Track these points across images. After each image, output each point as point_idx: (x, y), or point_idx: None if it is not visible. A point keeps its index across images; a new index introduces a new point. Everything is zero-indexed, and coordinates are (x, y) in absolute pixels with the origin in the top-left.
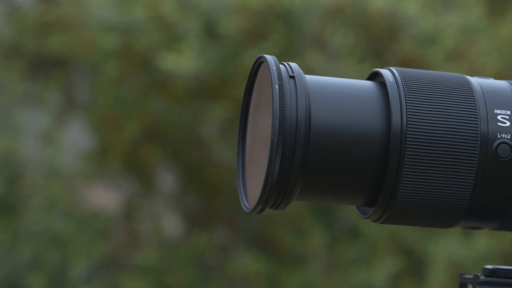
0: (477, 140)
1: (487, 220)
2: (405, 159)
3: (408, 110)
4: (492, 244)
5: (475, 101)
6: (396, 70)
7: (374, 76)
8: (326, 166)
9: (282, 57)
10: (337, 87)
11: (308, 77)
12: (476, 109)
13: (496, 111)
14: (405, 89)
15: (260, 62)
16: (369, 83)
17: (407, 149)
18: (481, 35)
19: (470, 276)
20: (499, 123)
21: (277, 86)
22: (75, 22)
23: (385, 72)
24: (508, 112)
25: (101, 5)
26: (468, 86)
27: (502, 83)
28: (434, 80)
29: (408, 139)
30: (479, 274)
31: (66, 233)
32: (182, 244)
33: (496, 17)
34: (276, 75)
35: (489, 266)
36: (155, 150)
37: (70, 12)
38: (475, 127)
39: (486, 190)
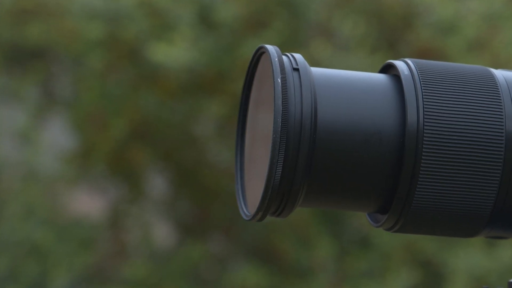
0: (502, 140)
1: None
2: (422, 160)
3: (425, 106)
4: None
5: (499, 96)
6: (412, 62)
7: (387, 69)
8: (334, 168)
9: (285, 48)
10: (346, 81)
11: (314, 70)
12: (501, 105)
13: None
14: (421, 83)
15: (260, 53)
16: (381, 77)
17: (423, 149)
18: (505, 23)
19: None
20: None
21: (279, 80)
22: (55, 9)
23: (399, 64)
24: None
25: None
26: (492, 79)
27: None
28: (454, 73)
29: (425, 138)
30: None
31: (46, 243)
32: (174, 255)
33: None
34: (278, 67)
35: None
36: (144, 150)
37: None
38: (500, 125)
39: None
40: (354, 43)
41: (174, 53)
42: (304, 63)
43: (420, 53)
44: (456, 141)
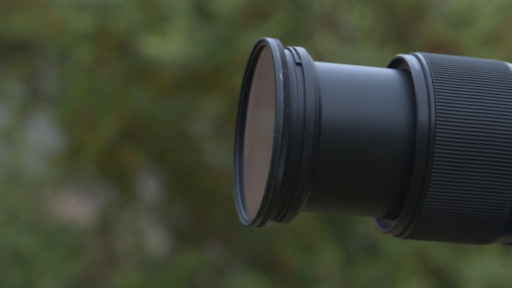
0: None
1: None
2: (434, 161)
3: (437, 103)
4: None
5: None
6: (423, 56)
7: (397, 63)
8: (340, 170)
9: (287, 41)
10: (353, 77)
11: (318, 65)
12: None
13: None
14: (433, 78)
15: (261, 47)
16: (390, 72)
17: (436, 149)
18: None
19: None
20: None
21: (281, 75)
22: None
23: (409, 58)
24: None
25: None
26: (508, 74)
27: None
28: (468, 67)
29: (437, 138)
30: None
31: (31, 250)
32: (168, 263)
33: None
34: (279, 62)
35: None
36: (136, 151)
37: None
38: None
39: None
40: (361, 36)
41: (168, 46)
42: (307, 57)
43: (432, 47)
44: (470, 141)
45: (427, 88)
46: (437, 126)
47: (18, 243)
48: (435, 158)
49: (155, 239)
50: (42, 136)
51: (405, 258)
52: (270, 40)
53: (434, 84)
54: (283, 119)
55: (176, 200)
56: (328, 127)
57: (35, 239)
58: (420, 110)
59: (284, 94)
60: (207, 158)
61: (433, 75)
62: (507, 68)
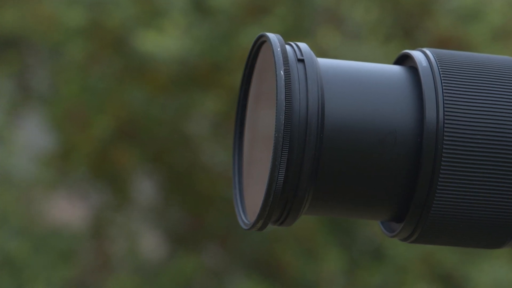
0: None
1: None
2: (442, 162)
3: (445, 102)
4: None
5: None
6: (431, 52)
7: (403, 60)
8: (343, 171)
9: (288, 36)
10: (357, 73)
11: (321, 61)
12: None
13: None
14: (441, 75)
15: (261, 43)
16: (396, 68)
17: (444, 150)
18: None
19: None
20: None
21: (282, 72)
22: None
23: (416, 54)
24: None
25: None
26: None
27: None
28: (478, 64)
29: (445, 138)
30: None
31: (21, 254)
32: (164, 268)
33: None
34: (281, 58)
35: None
36: (131, 151)
37: None
38: None
39: None
40: (366, 31)
41: (165, 42)
42: (310, 53)
43: (440, 43)
44: (480, 141)
45: (435, 86)
46: (446, 125)
47: (8, 247)
48: (443, 159)
49: (150, 243)
50: (33, 136)
51: (412, 263)
52: (271, 36)
53: (443, 81)
54: (285, 118)
55: (173, 203)
56: (331, 126)
57: (26, 243)
58: (427, 109)
59: (285, 92)
60: (205, 159)
61: (441, 72)
62: None
